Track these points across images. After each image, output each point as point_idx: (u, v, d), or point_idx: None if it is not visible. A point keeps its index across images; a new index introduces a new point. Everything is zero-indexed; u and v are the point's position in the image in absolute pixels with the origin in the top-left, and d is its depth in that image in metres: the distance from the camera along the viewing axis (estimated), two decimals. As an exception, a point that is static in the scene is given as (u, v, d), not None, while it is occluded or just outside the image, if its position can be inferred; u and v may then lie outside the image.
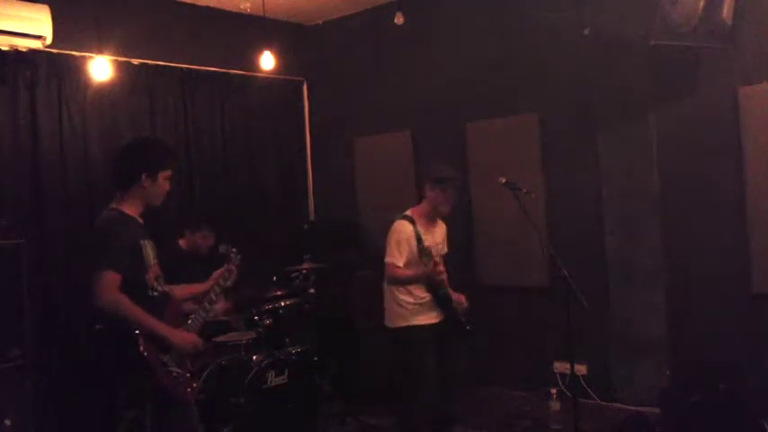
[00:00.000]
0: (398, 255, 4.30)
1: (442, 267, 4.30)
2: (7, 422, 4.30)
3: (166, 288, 3.33)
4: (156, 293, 3.23)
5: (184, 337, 3.25)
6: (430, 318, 4.37)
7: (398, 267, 4.31)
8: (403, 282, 4.35)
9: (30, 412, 4.50)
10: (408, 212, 4.44)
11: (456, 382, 4.54)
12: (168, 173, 3.33)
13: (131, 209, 3.25)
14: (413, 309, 4.34)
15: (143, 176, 3.23)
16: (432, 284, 4.34)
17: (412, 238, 4.30)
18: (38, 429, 4.57)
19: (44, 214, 5.21)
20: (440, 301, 4.37)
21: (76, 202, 5.36)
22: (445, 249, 4.61)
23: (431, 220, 4.47)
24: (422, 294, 4.35)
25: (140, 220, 3.29)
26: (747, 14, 4.67)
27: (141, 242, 3.21)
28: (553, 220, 5.63)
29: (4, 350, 4.44)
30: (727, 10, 4.53)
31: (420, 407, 4.34)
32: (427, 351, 4.32)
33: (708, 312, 4.97)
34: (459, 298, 4.47)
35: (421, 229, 4.34)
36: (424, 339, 4.33)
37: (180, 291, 3.55)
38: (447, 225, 4.63)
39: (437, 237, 4.49)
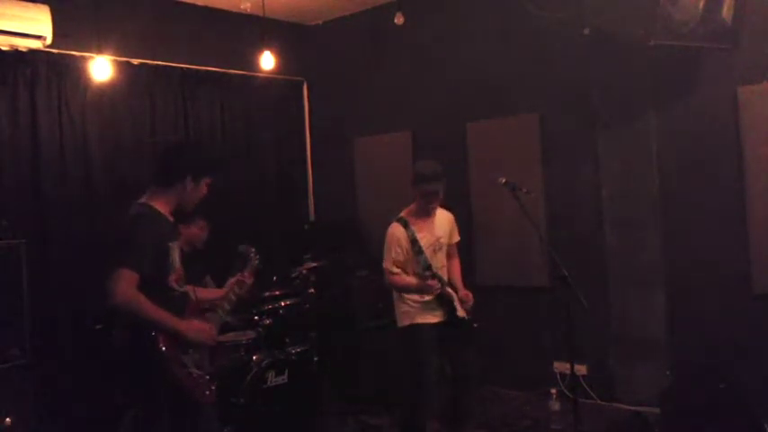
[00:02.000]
0: (391, 259, 4.32)
1: (433, 282, 4.27)
2: (7, 421, 4.30)
3: (187, 288, 3.30)
4: (176, 293, 3.21)
5: (198, 328, 3.20)
6: (434, 317, 4.39)
7: (394, 274, 4.33)
8: (398, 289, 4.41)
9: (30, 412, 4.49)
10: (402, 213, 4.46)
11: (467, 383, 4.55)
12: (210, 180, 3.32)
13: (163, 206, 3.22)
14: (419, 307, 4.37)
15: (188, 178, 3.22)
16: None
17: (403, 239, 4.32)
18: (38, 429, 4.56)
19: (44, 214, 5.21)
20: (442, 302, 4.38)
21: (76, 201, 5.36)
22: (456, 238, 4.64)
23: (426, 215, 4.46)
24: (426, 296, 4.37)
25: (171, 218, 3.26)
26: (747, 14, 4.67)
27: (170, 244, 3.18)
28: (553, 220, 5.63)
29: (4, 350, 4.43)
30: (727, 10, 4.53)
31: (422, 407, 4.36)
32: (431, 351, 4.35)
33: (708, 312, 4.96)
34: (466, 295, 4.48)
35: (415, 229, 4.36)
36: (428, 339, 4.35)
37: (202, 294, 3.52)
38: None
39: (436, 230, 4.47)
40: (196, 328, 3.20)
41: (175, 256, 3.22)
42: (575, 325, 4.13)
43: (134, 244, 3.07)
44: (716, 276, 4.96)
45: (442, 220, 4.56)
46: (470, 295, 4.48)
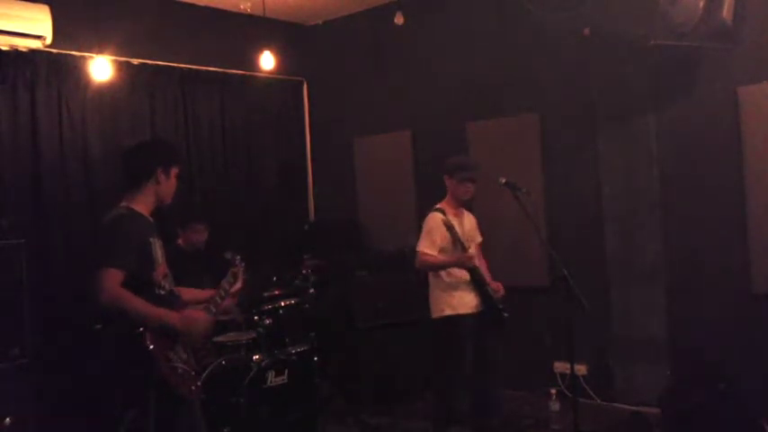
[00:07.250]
0: (430, 243, 4.44)
1: (471, 252, 4.46)
2: (7, 421, 4.30)
3: (174, 287, 3.32)
4: (163, 292, 3.22)
5: (190, 316, 3.19)
6: (470, 306, 4.47)
7: (429, 254, 4.44)
8: (434, 267, 4.49)
9: (30, 412, 4.49)
10: (438, 205, 4.58)
11: (495, 374, 4.63)
12: (177, 170, 3.34)
13: (142, 207, 3.25)
14: (455, 291, 4.46)
15: (158, 171, 3.24)
16: (466, 268, 4.46)
17: (443, 226, 4.42)
18: (38, 429, 4.56)
19: (44, 214, 5.21)
20: (476, 283, 4.46)
21: (76, 201, 5.36)
22: (479, 238, 4.77)
23: (458, 210, 4.62)
24: (461, 274, 4.47)
25: (151, 219, 3.29)
26: (747, 14, 4.66)
27: (150, 240, 3.20)
28: (553, 220, 5.63)
29: (4, 350, 4.43)
30: (727, 10, 4.53)
31: (455, 399, 4.49)
32: (468, 343, 4.44)
33: (708, 312, 4.96)
34: (497, 286, 4.58)
35: (451, 218, 4.46)
36: (466, 331, 4.44)
37: (186, 294, 3.54)
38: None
39: (465, 226, 4.63)
40: (189, 316, 3.18)
41: (158, 251, 3.23)
42: (575, 325, 4.13)
43: (116, 243, 3.10)
44: (716, 276, 4.96)
45: (469, 219, 4.73)
46: (501, 286, 4.59)
